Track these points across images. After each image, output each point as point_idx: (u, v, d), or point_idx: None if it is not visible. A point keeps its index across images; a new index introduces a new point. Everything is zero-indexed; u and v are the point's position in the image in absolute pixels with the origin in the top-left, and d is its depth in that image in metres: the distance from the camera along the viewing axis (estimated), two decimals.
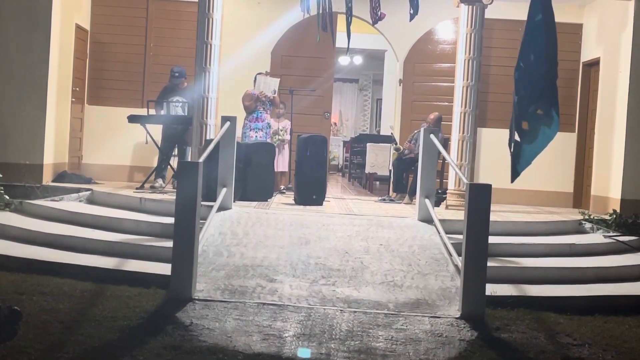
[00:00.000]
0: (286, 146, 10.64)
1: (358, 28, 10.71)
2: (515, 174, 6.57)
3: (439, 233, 7.39)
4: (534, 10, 6.42)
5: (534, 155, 6.50)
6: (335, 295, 5.99)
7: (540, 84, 6.37)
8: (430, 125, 9.98)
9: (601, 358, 5.09)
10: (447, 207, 9.47)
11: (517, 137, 6.51)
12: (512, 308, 6.08)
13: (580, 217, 9.17)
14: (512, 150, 6.60)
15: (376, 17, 8.80)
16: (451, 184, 9.63)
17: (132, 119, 9.92)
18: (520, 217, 9.18)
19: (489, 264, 5.96)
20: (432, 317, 5.68)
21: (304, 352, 4.79)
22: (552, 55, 6.38)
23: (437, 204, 8.83)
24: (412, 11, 8.56)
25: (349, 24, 8.79)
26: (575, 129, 11.44)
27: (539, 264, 7.27)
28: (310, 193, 9.23)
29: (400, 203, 10.07)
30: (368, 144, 13.92)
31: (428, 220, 7.95)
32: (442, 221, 7.56)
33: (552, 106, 6.38)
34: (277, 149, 10.24)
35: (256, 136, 10.14)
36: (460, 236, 6.10)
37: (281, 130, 10.57)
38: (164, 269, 6.11)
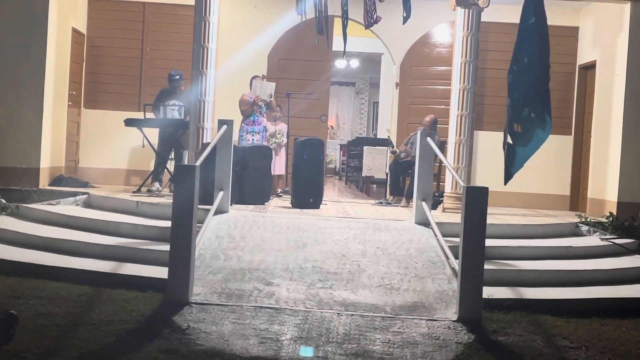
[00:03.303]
0: (283, 149, 10.64)
1: (354, 31, 10.71)
2: (508, 176, 6.59)
3: (436, 236, 7.39)
4: (527, 14, 6.45)
5: (527, 158, 6.52)
6: (332, 299, 5.99)
7: (532, 87, 6.39)
8: (426, 128, 10.00)
9: None
10: (444, 210, 9.48)
11: (509, 140, 6.53)
12: (509, 311, 6.09)
13: (576, 219, 9.18)
14: (505, 152, 6.61)
15: (371, 21, 8.80)
16: (448, 187, 9.64)
17: (129, 122, 9.91)
18: (517, 219, 9.19)
19: (486, 266, 5.96)
20: (429, 320, 5.68)
21: (306, 351, 4.79)
22: (545, 58, 6.40)
23: (434, 206, 8.84)
24: (405, 14, 8.57)
25: (345, 27, 8.80)
26: (572, 131, 11.46)
27: (536, 266, 7.27)
28: (307, 196, 9.22)
29: (397, 206, 10.07)
30: (365, 147, 13.93)
31: (425, 223, 7.95)
32: (439, 224, 7.56)
33: (544, 109, 6.40)
34: (273, 152, 10.25)
35: (253, 139, 10.14)
36: (457, 239, 6.10)
37: (278, 133, 10.58)
38: (161, 272, 6.10)
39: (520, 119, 6.39)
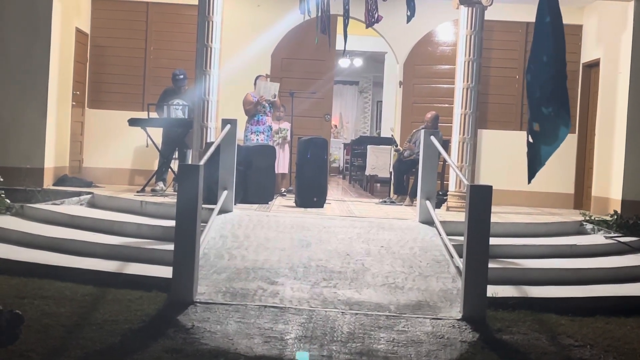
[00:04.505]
0: (287, 148, 10.64)
1: (358, 30, 10.72)
2: (532, 175, 6.59)
3: (440, 235, 7.39)
4: (542, 13, 6.45)
5: (549, 155, 6.53)
6: (336, 298, 5.99)
7: (549, 85, 6.40)
8: (428, 124, 10.01)
9: (603, 359, 5.09)
10: (448, 208, 9.48)
11: (530, 139, 6.53)
12: (514, 309, 6.08)
13: (581, 218, 9.17)
14: (527, 151, 6.61)
15: (372, 20, 8.79)
16: (452, 186, 9.63)
17: (133, 122, 9.93)
18: (521, 218, 9.19)
19: (490, 265, 5.96)
20: (433, 318, 5.69)
21: (302, 356, 4.79)
22: (561, 56, 6.41)
23: (438, 205, 8.84)
24: (409, 13, 8.57)
25: (345, 25, 8.79)
26: (576, 130, 11.43)
27: (540, 265, 7.27)
28: (311, 195, 9.23)
29: (401, 205, 10.07)
30: (368, 146, 13.94)
31: (429, 222, 7.95)
32: (443, 223, 7.56)
33: (563, 106, 6.41)
34: (278, 147, 10.26)
35: (257, 139, 10.15)
36: (461, 238, 6.10)
37: (282, 130, 10.56)
38: (166, 272, 6.11)
39: (540, 117, 6.40)
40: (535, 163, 6.51)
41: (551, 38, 6.40)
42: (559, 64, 6.43)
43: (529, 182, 6.59)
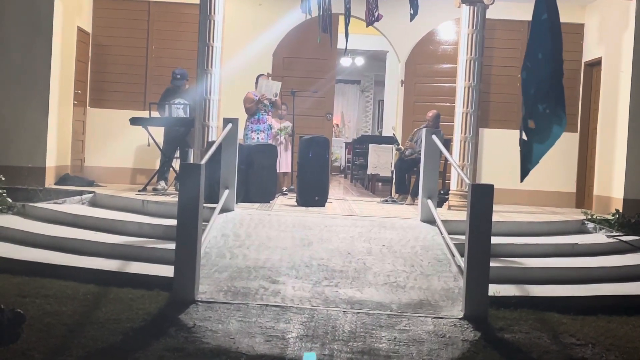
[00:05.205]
0: (289, 147, 10.63)
1: (359, 29, 10.71)
2: (525, 173, 6.58)
3: (442, 234, 7.38)
4: (539, 10, 6.43)
5: (543, 154, 6.52)
6: (338, 297, 5.99)
7: (546, 83, 6.39)
8: (429, 123, 10.00)
9: (605, 358, 5.09)
10: (449, 207, 9.47)
11: (524, 136, 6.52)
12: (515, 308, 6.09)
13: (582, 217, 9.16)
14: (521, 149, 6.60)
15: (372, 18, 8.79)
16: (453, 185, 9.62)
17: (134, 121, 9.93)
18: (522, 217, 9.18)
19: (492, 264, 5.96)
20: (435, 317, 5.69)
21: (309, 356, 4.79)
22: (558, 54, 6.40)
23: (439, 204, 8.83)
24: (412, 11, 8.56)
25: (347, 24, 8.80)
26: (578, 129, 11.43)
27: (542, 264, 7.26)
28: (312, 194, 9.23)
29: (403, 204, 10.06)
30: (370, 145, 13.94)
31: (430, 221, 7.95)
32: (444, 222, 7.56)
33: (558, 105, 6.40)
34: (282, 146, 10.26)
35: (257, 138, 10.15)
36: (463, 237, 6.10)
37: (286, 127, 10.54)
38: (167, 271, 6.11)
39: (535, 115, 6.39)
40: (527, 161, 6.50)
41: (548, 35, 6.39)
42: (556, 62, 6.42)
43: (522, 180, 6.58)
